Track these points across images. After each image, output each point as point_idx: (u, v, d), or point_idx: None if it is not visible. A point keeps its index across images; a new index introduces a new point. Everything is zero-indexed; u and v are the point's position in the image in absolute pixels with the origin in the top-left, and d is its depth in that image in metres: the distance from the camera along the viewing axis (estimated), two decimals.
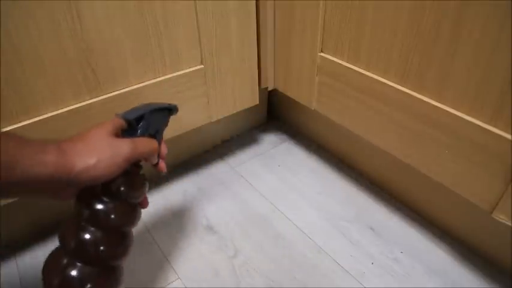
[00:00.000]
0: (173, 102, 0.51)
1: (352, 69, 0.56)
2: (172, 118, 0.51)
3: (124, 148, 0.39)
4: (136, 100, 0.56)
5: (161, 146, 0.48)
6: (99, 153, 0.37)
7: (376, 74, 0.53)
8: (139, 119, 0.45)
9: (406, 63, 0.49)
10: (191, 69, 0.60)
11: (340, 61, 0.58)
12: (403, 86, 0.50)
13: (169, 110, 0.50)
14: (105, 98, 0.53)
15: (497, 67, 0.40)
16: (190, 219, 0.68)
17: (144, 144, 0.43)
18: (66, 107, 0.51)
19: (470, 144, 0.45)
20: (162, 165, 0.49)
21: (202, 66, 0.61)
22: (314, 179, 0.76)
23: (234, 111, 0.70)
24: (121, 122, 0.43)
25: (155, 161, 0.47)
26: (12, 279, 0.58)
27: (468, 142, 0.45)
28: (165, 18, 0.53)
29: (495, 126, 0.42)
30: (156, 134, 0.47)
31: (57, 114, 0.50)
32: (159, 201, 0.72)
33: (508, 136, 0.41)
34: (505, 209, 0.44)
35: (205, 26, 0.57)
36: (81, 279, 0.37)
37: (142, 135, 0.44)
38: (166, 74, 0.58)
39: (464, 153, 0.46)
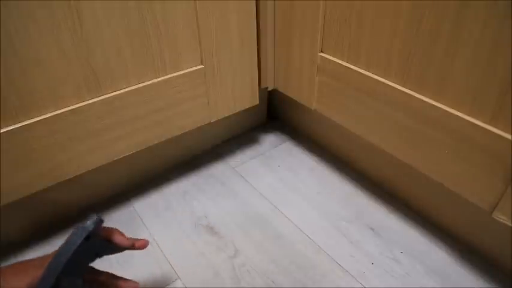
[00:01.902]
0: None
1: (352, 69, 0.56)
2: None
3: None
4: (136, 100, 0.56)
5: (119, 239, 0.45)
6: None
7: (376, 74, 0.53)
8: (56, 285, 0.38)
9: (406, 63, 0.49)
10: (191, 69, 0.60)
11: (340, 61, 0.58)
12: (403, 86, 0.50)
13: (87, 238, 0.41)
14: (105, 98, 0.53)
15: (497, 67, 0.40)
16: (190, 219, 0.68)
17: None
18: (66, 107, 0.51)
19: (470, 144, 0.45)
20: (138, 243, 0.47)
21: (202, 66, 0.61)
22: (314, 179, 0.76)
23: (234, 111, 0.70)
24: None
25: None
26: None
27: (468, 142, 0.45)
28: (165, 18, 0.53)
29: (495, 126, 0.42)
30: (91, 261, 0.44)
31: (57, 114, 0.50)
32: (159, 201, 0.72)
33: (508, 136, 0.41)
34: (505, 209, 0.44)
35: (205, 26, 0.57)
36: None
37: None
38: (166, 74, 0.58)
39: (464, 153, 0.46)
